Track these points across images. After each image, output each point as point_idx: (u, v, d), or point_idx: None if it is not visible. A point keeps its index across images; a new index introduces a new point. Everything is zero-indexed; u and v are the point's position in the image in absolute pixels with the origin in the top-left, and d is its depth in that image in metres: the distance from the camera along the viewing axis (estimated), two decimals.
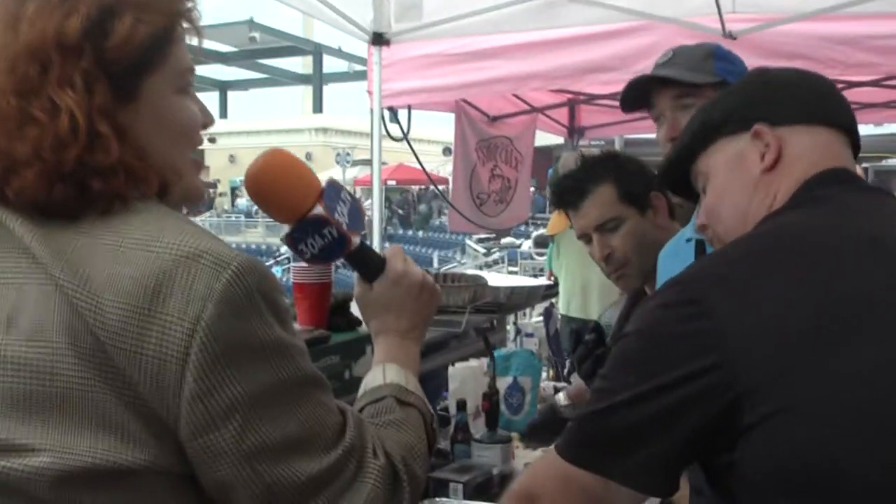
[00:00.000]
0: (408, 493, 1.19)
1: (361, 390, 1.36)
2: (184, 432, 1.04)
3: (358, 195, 32.24)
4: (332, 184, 1.31)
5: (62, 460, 1.02)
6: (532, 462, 1.64)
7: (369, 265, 1.38)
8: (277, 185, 1.26)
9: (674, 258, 2.14)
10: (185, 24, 1.19)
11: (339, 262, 1.38)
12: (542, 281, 4.58)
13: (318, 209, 1.26)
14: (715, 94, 1.98)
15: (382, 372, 1.36)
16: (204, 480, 1.07)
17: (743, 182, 1.41)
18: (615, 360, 1.29)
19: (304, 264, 2.16)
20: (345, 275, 18.07)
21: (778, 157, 1.38)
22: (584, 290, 6.01)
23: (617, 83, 5.30)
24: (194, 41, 1.22)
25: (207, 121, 1.24)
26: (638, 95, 2.16)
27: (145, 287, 1.02)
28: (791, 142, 1.39)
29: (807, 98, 1.44)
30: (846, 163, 1.40)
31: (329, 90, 48.97)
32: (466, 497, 2.22)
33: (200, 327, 1.02)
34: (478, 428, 2.74)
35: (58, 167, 1.06)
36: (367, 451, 1.16)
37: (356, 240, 1.32)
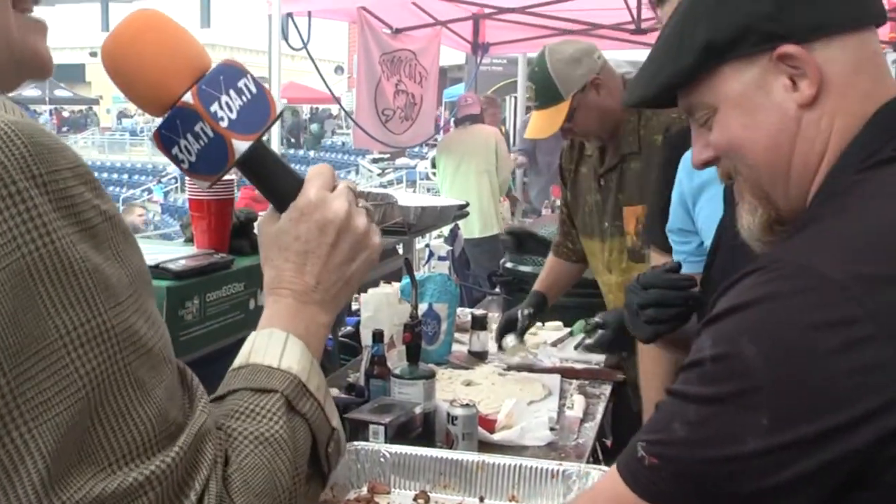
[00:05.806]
0: None
1: (243, 358, 0.93)
2: None
3: None
4: (227, 66, 0.95)
5: None
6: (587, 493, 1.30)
7: (273, 186, 1.00)
8: (140, 57, 0.90)
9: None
10: None
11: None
12: (454, 200, 4.35)
13: (188, 97, 0.91)
14: None
15: (282, 348, 0.92)
16: None
17: (776, 120, 1.06)
18: (730, 390, 0.92)
19: None
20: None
21: (819, 88, 1.03)
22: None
23: None
24: None
25: None
26: None
27: None
28: (833, 62, 1.03)
29: None
30: None
31: (217, 3, 47.23)
32: (388, 439, 2.00)
33: None
34: (394, 361, 2.50)
35: None
36: (190, 486, 0.75)
37: (241, 145, 0.93)
